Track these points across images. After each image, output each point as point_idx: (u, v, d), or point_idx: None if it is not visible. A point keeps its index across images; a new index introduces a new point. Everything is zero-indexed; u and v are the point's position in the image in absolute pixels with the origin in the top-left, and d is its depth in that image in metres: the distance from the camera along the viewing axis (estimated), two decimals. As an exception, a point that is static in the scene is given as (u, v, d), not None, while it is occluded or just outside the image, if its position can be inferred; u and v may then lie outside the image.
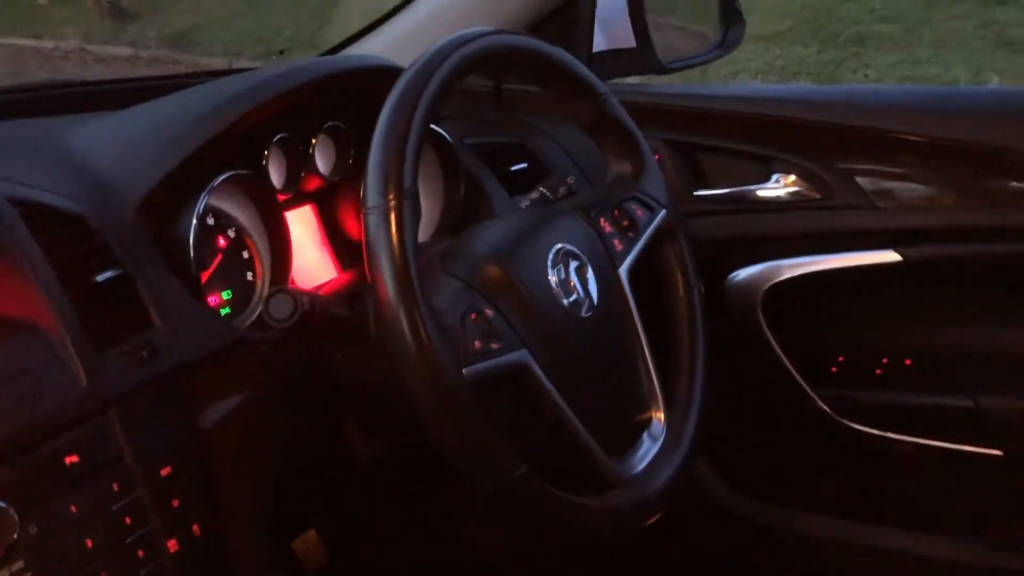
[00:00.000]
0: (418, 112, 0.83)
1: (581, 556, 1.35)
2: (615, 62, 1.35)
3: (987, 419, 1.22)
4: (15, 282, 0.76)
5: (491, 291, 0.87)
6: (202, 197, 0.91)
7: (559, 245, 0.94)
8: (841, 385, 1.29)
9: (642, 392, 0.99)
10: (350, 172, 1.10)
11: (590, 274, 0.96)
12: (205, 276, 0.95)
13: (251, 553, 0.93)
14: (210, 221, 0.96)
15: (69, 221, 0.82)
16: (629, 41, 1.35)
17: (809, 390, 1.28)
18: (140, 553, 0.77)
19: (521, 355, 0.85)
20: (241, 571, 0.88)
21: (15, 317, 0.76)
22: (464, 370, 0.80)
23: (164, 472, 0.80)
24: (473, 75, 0.91)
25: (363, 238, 0.80)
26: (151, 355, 0.81)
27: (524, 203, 1.16)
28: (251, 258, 1.01)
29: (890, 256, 1.20)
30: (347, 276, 1.10)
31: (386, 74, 1.05)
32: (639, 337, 0.99)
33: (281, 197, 1.04)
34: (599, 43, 1.34)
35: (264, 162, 1.01)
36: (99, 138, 0.95)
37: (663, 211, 1.04)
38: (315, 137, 1.06)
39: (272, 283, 1.01)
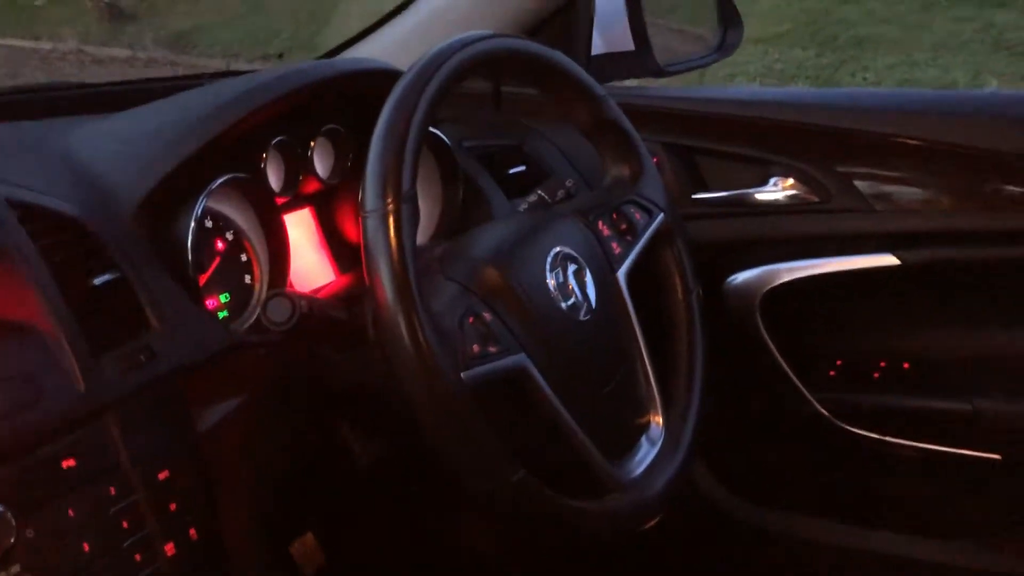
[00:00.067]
0: (417, 115, 0.82)
1: (579, 559, 1.35)
2: (613, 65, 1.35)
3: (985, 423, 1.22)
4: (12, 285, 0.76)
5: (489, 294, 0.87)
6: (200, 200, 0.91)
7: (557, 248, 0.94)
8: (839, 388, 1.29)
9: (640, 396, 0.99)
10: (348, 175, 1.10)
11: (588, 277, 0.95)
12: (203, 279, 0.95)
13: (249, 556, 0.93)
14: (208, 224, 0.96)
15: (67, 224, 0.82)
16: (627, 44, 1.35)
17: (807, 393, 1.28)
18: (137, 557, 0.77)
19: (519, 359, 0.85)
20: (238, 574, 0.88)
21: (12, 320, 0.75)
22: (462, 374, 0.80)
23: (162, 476, 0.80)
24: (472, 78, 0.91)
25: (361, 241, 0.80)
26: (149, 358, 0.80)
27: (522, 206, 1.16)
28: (249, 261, 1.00)
29: (888, 259, 1.20)
30: (345, 279, 1.10)
31: (385, 77, 1.05)
32: (637, 341, 0.99)
33: (279, 200, 1.03)
34: (597, 46, 1.35)
35: (262, 165, 1.01)
36: (97, 140, 0.95)
37: (661, 214, 1.04)
38: (314, 140, 1.06)
39: (270, 286, 1.01)
